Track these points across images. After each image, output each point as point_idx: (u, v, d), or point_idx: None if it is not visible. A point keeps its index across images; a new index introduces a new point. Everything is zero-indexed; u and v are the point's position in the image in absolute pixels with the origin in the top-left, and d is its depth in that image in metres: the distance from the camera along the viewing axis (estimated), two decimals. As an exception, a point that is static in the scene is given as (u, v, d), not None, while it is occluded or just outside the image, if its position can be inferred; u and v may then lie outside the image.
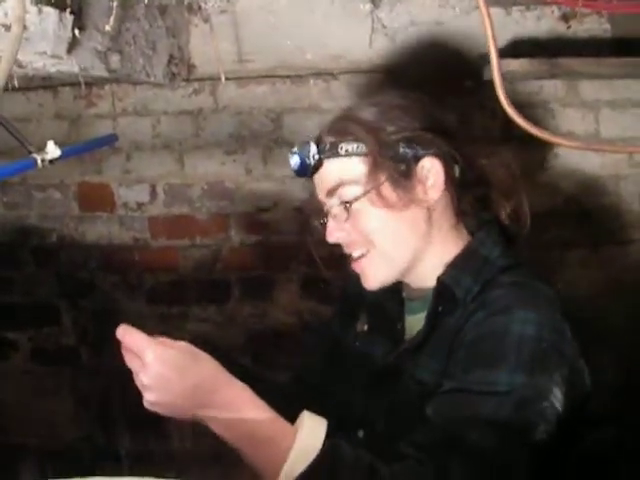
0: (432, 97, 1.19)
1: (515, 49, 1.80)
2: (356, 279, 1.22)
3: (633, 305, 1.97)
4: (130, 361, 0.95)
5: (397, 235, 1.12)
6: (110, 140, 1.39)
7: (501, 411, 0.95)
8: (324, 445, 0.93)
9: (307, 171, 1.14)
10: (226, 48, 1.89)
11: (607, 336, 2.00)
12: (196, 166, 2.06)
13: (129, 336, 0.95)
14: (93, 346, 2.20)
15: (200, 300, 2.12)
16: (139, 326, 2.14)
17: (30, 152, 0.98)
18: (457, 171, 1.15)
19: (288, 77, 1.95)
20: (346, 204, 1.11)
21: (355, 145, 1.10)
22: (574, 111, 1.92)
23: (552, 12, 1.83)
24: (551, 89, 1.91)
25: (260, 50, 1.91)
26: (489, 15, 0.74)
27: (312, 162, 1.12)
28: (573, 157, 1.95)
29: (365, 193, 1.09)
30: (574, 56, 1.68)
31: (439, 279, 1.12)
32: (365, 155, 1.09)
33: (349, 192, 1.10)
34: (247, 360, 2.06)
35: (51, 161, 1.00)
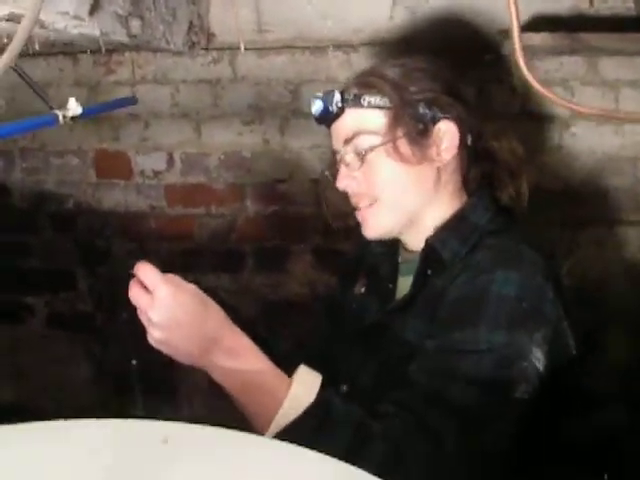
0: (453, 66, 1.22)
1: (536, 26, 1.78)
2: (360, 244, 1.28)
3: (646, 286, 1.97)
4: (138, 296, 0.95)
5: (405, 189, 1.16)
6: (129, 102, 1.40)
7: (481, 368, 0.97)
8: (316, 397, 0.95)
9: (328, 117, 1.17)
10: (246, 18, 1.88)
11: (621, 316, 2.00)
12: (213, 135, 2.07)
13: (144, 271, 0.95)
14: (108, 312, 2.23)
15: (214, 269, 2.14)
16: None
17: (52, 108, 0.99)
18: (469, 140, 1.19)
19: (307, 48, 1.94)
20: (361, 153, 1.14)
21: (378, 98, 1.14)
22: (594, 89, 1.90)
23: (575, -12, 1.81)
24: (571, 67, 1.89)
25: (280, 21, 1.91)
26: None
27: (334, 110, 1.15)
28: (591, 136, 1.93)
29: (382, 144, 1.13)
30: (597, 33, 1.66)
31: (427, 241, 1.16)
32: (387, 109, 1.13)
33: (366, 142, 1.14)
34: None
35: (72, 118, 1.02)
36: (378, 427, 0.95)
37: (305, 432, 0.91)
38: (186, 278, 2.10)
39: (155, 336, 0.95)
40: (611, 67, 1.88)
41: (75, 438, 0.55)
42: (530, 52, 1.68)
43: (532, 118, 1.94)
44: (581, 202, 1.98)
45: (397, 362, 1.09)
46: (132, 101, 1.39)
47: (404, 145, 1.13)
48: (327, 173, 1.25)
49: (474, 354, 0.98)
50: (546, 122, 1.94)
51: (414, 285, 1.15)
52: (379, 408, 0.98)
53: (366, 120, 1.15)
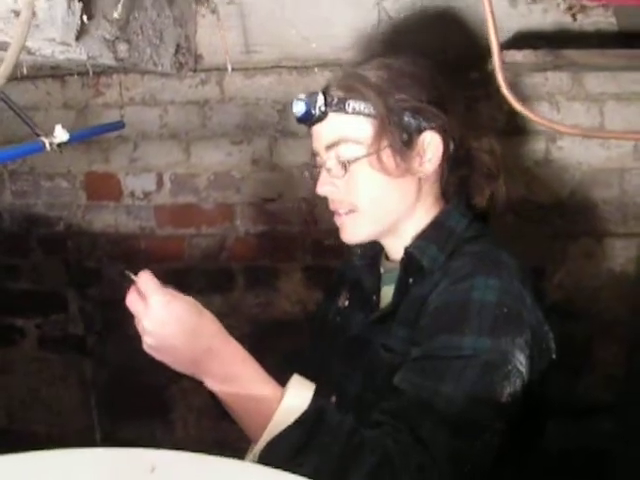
0: (440, 68, 1.20)
1: (520, 42, 1.81)
2: (343, 263, 1.30)
3: (636, 297, 1.98)
4: (134, 303, 0.96)
5: (385, 200, 1.15)
6: (117, 126, 1.41)
7: (467, 375, 0.98)
8: (309, 406, 0.95)
9: (310, 120, 1.15)
10: (233, 39, 1.90)
11: (610, 327, 2.01)
12: (202, 156, 2.08)
13: (142, 278, 0.97)
14: (100, 334, 2.23)
15: (205, 289, 2.14)
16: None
17: (38, 135, 0.99)
18: (452, 148, 1.18)
19: (294, 68, 1.96)
20: (344, 162, 1.12)
21: (363, 105, 1.11)
22: (579, 104, 1.93)
23: (558, 5, 1.84)
24: (556, 82, 1.91)
25: (266, 41, 1.92)
26: (491, 4, 0.75)
27: (317, 113, 1.12)
28: (578, 150, 1.95)
29: (366, 155, 1.11)
30: (581, 49, 1.68)
31: (406, 250, 1.16)
32: (372, 117, 1.11)
33: (349, 151, 1.12)
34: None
35: (59, 145, 1.02)
36: (370, 437, 0.95)
37: (297, 441, 0.92)
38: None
39: (148, 343, 0.96)
40: (596, 82, 1.90)
41: (63, 468, 0.55)
42: (514, 68, 1.71)
43: (519, 133, 1.95)
44: (570, 215, 2.00)
45: (383, 371, 1.09)
46: (119, 125, 1.40)
47: (388, 156, 1.12)
48: (307, 174, 1.26)
49: (459, 360, 0.99)
50: (533, 136, 1.96)
51: (396, 294, 1.15)
52: (370, 418, 0.99)
53: (350, 128, 1.12)
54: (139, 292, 0.97)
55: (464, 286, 1.04)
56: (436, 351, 1.01)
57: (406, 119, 1.12)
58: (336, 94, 1.13)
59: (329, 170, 1.15)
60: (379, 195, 1.15)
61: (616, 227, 1.99)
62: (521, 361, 1.00)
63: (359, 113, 1.11)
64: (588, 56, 1.58)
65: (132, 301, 0.96)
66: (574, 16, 1.84)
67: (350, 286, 1.32)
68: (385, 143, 1.11)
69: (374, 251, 1.29)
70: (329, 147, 1.14)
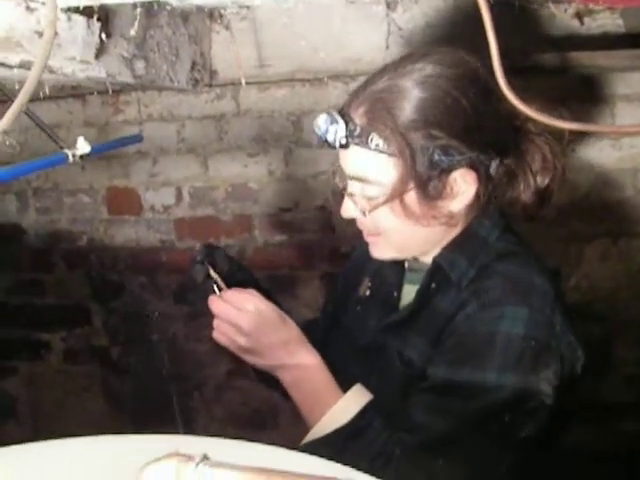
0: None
1: (529, 47, 1.83)
2: (360, 245, 1.22)
3: (653, 296, 1.98)
4: (227, 310, 1.07)
5: (411, 240, 1.09)
6: (136, 140, 1.45)
7: (489, 413, 0.97)
8: (348, 422, 1.03)
9: (331, 147, 1.05)
10: (246, 54, 1.95)
11: (629, 327, 2.01)
12: (220, 169, 2.13)
13: (232, 293, 1.09)
14: (123, 346, 2.27)
15: (226, 299, 2.17)
16: (166, 326, 2.20)
17: (62, 148, 1.04)
18: (492, 168, 1.05)
19: (307, 80, 2.00)
20: (366, 198, 1.05)
21: (387, 144, 0.99)
22: (590, 105, 1.94)
23: (565, 10, 1.86)
24: (566, 84, 1.93)
25: (279, 55, 1.97)
26: (488, 6, 0.78)
27: (338, 144, 1.02)
28: (590, 151, 1.97)
29: (387, 201, 1.02)
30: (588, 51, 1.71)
31: (434, 260, 1.10)
32: (395, 157, 0.99)
33: (371, 190, 1.03)
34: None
35: (81, 157, 1.07)
36: (395, 463, 1.00)
37: (328, 451, 0.92)
38: (198, 309, 2.12)
39: (242, 344, 1.08)
40: (604, 83, 1.92)
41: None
42: (523, 71, 1.73)
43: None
44: (585, 216, 2.01)
45: (397, 382, 1.10)
46: (138, 138, 1.45)
47: (413, 200, 1.02)
48: (336, 182, 1.13)
49: (482, 397, 0.97)
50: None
51: (416, 299, 1.11)
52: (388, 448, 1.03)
53: (373, 168, 1.02)
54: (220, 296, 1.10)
55: (493, 314, 1.00)
56: (459, 383, 0.99)
57: (436, 157, 0.99)
58: (359, 122, 1.01)
59: (352, 196, 1.08)
60: (404, 235, 1.08)
61: (631, 227, 2.00)
62: (548, 394, 0.97)
63: (382, 152, 0.99)
64: (595, 58, 1.60)
65: (224, 308, 1.08)
66: (581, 20, 1.86)
67: (372, 275, 1.26)
68: (410, 186, 1.00)
69: None
70: (353, 178, 1.06)
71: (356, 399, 1.07)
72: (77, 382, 2.33)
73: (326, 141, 1.03)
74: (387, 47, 1.92)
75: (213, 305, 1.09)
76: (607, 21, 1.83)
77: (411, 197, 1.01)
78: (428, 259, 1.12)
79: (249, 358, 1.10)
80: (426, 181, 1.00)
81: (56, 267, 2.28)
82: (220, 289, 1.12)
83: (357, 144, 1.01)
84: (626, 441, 2.03)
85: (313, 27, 1.93)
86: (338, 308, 1.33)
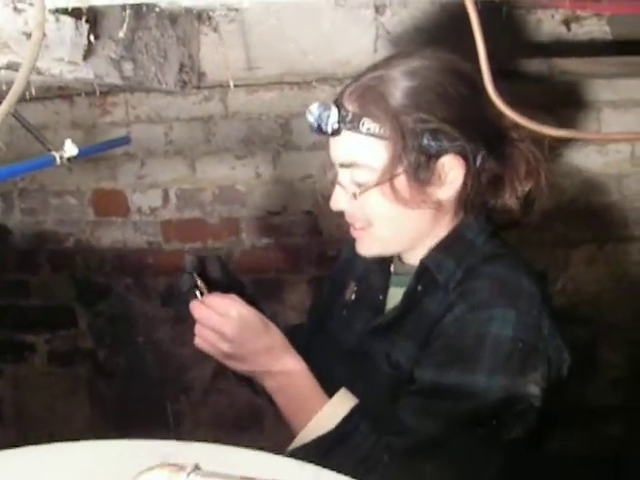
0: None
1: (517, 52, 1.84)
2: (350, 246, 1.21)
3: (638, 301, 2.00)
4: (209, 315, 1.06)
5: (400, 227, 1.09)
6: (124, 142, 1.45)
7: (478, 415, 0.97)
8: (334, 428, 1.03)
9: (323, 134, 1.07)
10: (235, 56, 1.95)
11: (614, 331, 2.03)
12: (207, 171, 2.12)
13: (213, 298, 1.08)
14: (109, 348, 2.26)
15: (213, 302, 2.17)
16: (153, 328, 2.18)
17: (49, 150, 1.03)
18: (479, 160, 1.06)
19: (296, 83, 2.00)
20: (357, 184, 1.06)
21: (378, 127, 1.01)
22: (576, 111, 1.96)
23: (552, 16, 1.87)
24: (553, 90, 1.95)
25: (268, 57, 1.97)
26: (476, 10, 0.78)
27: (330, 130, 1.04)
28: (577, 156, 1.98)
29: (377, 184, 1.03)
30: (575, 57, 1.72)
31: (422, 262, 1.10)
32: (386, 140, 1.02)
33: (362, 175, 1.05)
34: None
35: (69, 159, 1.06)
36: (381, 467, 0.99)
37: (314, 456, 0.93)
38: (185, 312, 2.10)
39: (225, 350, 1.07)
40: (591, 89, 1.93)
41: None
42: (510, 76, 1.74)
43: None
44: (571, 221, 2.03)
45: (384, 384, 1.10)
46: (126, 140, 1.44)
47: (402, 184, 1.03)
48: (328, 177, 1.15)
49: (471, 399, 0.97)
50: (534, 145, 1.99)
51: (403, 302, 1.11)
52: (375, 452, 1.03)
53: (363, 151, 1.04)
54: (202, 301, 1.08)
55: (482, 316, 1.00)
56: (447, 385, 1.00)
57: (425, 142, 1.01)
58: (351, 108, 1.04)
59: (343, 186, 1.09)
60: (393, 221, 1.08)
61: (616, 232, 2.02)
62: (536, 396, 0.98)
63: (373, 135, 1.02)
64: (581, 64, 1.62)
65: (206, 314, 1.07)
66: (568, 26, 1.87)
67: (357, 280, 1.27)
68: (400, 169, 1.02)
69: None
70: (343, 166, 1.08)
71: (342, 404, 1.07)
72: (62, 385, 2.31)
73: (319, 127, 1.05)
74: (375, 50, 1.92)
75: (195, 311, 1.08)
76: (594, 28, 1.85)
77: (401, 181, 1.03)
78: (414, 261, 1.13)
79: (232, 364, 1.10)
80: (416, 165, 1.02)
81: (42, 268, 2.26)
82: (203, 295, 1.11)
83: (349, 129, 1.04)
84: (612, 444, 2.05)
85: (302, 30, 1.93)
86: (324, 312, 1.33)
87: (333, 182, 1.12)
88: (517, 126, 1.02)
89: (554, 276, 2.04)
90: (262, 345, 1.08)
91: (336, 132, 1.05)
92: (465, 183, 1.06)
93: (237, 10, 1.91)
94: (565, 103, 1.95)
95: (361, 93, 1.04)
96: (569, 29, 1.87)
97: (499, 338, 0.99)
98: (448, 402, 0.99)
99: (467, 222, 1.12)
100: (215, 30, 1.94)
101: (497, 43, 1.62)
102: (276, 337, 1.10)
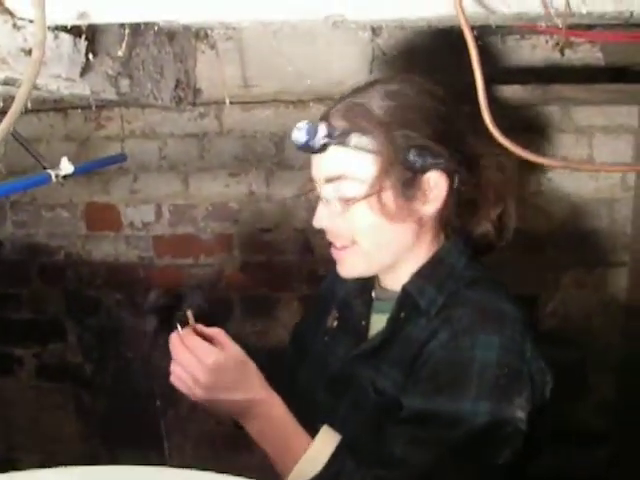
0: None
1: (511, 77, 1.86)
2: (330, 276, 1.25)
3: (627, 324, 2.01)
4: (183, 356, 1.03)
5: (384, 242, 1.10)
6: (119, 159, 1.45)
7: (468, 439, 0.97)
8: (321, 471, 1.01)
9: (310, 150, 1.08)
10: (231, 73, 1.95)
11: (602, 354, 2.04)
12: (200, 187, 2.12)
13: (193, 339, 1.04)
14: (98, 363, 2.24)
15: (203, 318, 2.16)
16: (142, 343, 2.17)
17: (45, 168, 1.03)
18: (456, 180, 1.11)
19: (291, 102, 2.01)
20: (343, 199, 1.07)
21: (366, 140, 1.04)
22: (568, 136, 1.98)
23: (546, 42, 1.89)
24: (546, 115, 1.97)
25: (264, 76, 1.97)
26: (474, 40, 0.79)
27: (317, 145, 1.06)
28: (568, 181, 2.00)
29: (366, 196, 1.05)
30: (569, 83, 1.74)
31: (404, 288, 1.12)
32: (375, 154, 1.05)
33: (349, 189, 1.07)
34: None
35: (64, 177, 1.06)
36: None
37: None
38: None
39: (198, 395, 1.04)
40: (584, 115, 1.95)
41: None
42: (504, 102, 1.76)
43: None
44: (561, 245, 2.04)
45: (369, 411, 1.09)
46: (122, 158, 1.44)
47: (389, 197, 1.06)
48: (303, 200, 1.20)
49: (460, 424, 0.98)
50: (524, 168, 2.00)
51: (387, 329, 1.12)
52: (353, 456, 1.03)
53: (352, 164, 1.06)
54: (181, 339, 1.04)
55: (466, 343, 1.01)
56: (434, 413, 1.00)
57: (411, 157, 1.05)
58: (339, 125, 1.06)
59: (327, 203, 1.10)
60: (376, 236, 1.09)
61: (606, 257, 2.03)
62: (522, 419, 0.99)
63: (362, 149, 1.05)
64: (575, 91, 1.63)
65: (181, 354, 1.03)
66: (562, 52, 1.89)
67: (339, 306, 1.28)
68: (387, 183, 1.05)
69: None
70: (329, 180, 1.08)
71: (325, 443, 1.05)
72: (49, 399, 2.29)
73: (306, 143, 1.06)
74: (371, 71, 1.93)
75: (173, 349, 1.04)
76: (587, 54, 1.87)
77: (388, 195, 1.06)
78: (396, 287, 1.14)
79: (207, 408, 1.07)
80: (402, 179, 1.05)
81: (32, 281, 2.25)
82: (184, 325, 1.06)
83: (337, 144, 1.06)
84: (601, 467, 2.05)
85: (298, 50, 1.94)
86: (307, 338, 1.33)
87: (315, 200, 1.14)
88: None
89: (544, 299, 2.05)
90: (239, 395, 1.05)
91: (323, 148, 1.07)
92: (447, 201, 1.10)
93: (235, 28, 1.92)
94: (557, 128, 1.97)
95: (348, 109, 1.07)
96: (563, 54, 1.89)
97: (484, 363, 1.00)
98: (436, 429, 0.99)
99: (447, 247, 1.15)
100: (212, 47, 1.95)
101: (491, 68, 1.65)
102: (254, 382, 1.07)
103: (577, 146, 1.98)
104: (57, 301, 2.24)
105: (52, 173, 1.03)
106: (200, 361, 1.01)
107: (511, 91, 1.63)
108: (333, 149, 1.07)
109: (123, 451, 2.24)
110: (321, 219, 1.12)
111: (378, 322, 1.16)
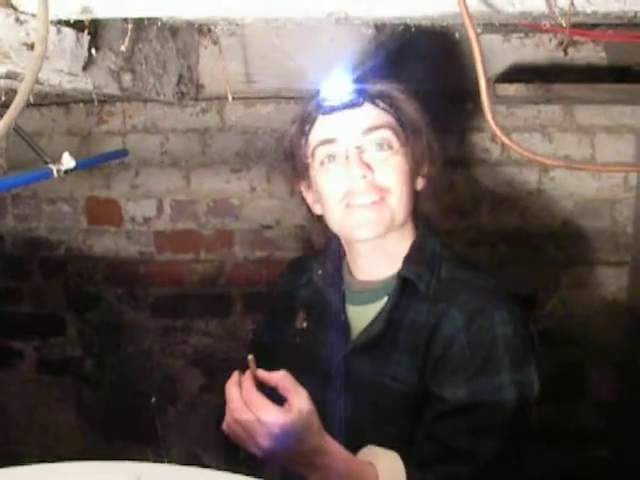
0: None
1: (514, 75, 1.86)
2: (288, 278, 1.32)
3: (627, 324, 2.01)
4: (239, 411, 0.96)
5: (405, 197, 1.17)
6: (121, 154, 1.45)
7: (512, 414, 1.05)
8: None
9: (350, 103, 1.16)
10: (234, 69, 1.94)
11: (602, 354, 2.04)
12: (202, 183, 2.12)
13: (256, 397, 0.96)
14: (98, 357, 2.24)
15: (203, 314, 2.17)
16: (142, 338, 2.16)
17: (46, 162, 1.03)
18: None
19: (293, 98, 2.01)
20: (387, 144, 1.16)
21: (390, 106, 1.18)
22: (570, 136, 1.98)
23: (550, 40, 1.89)
24: (548, 114, 1.97)
25: (266, 72, 1.97)
26: (477, 39, 0.79)
27: (360, 99, 1.16)
28: (570, 181, 2.00)
29: (406, 144, 1.17)
30: (572, 82, 1.74)
31: (400, 275, 1.17)
32: (397, 121, 1.18)
33: (392, 136, 1.16)
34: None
35: (66, 171, 1.06)
36: None
37: None
38: (175, 323, 2.09)
39: (257, 451, 0.97)
40: (586, 114, 1.95)
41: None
42: (507, 100, 1.75)
43: (512, 164, 2.00)
44: (562, 244, 2.04)
45: (388, 398, 1.11)
46: (124, 153, 1.44)
47: (411, 160, 1.19)
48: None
49: (505, 399, 1.05)
50: (526, 167, 2.00)
51: (386, 318, 1.14)
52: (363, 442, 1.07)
53: (390, 117, 1.18)
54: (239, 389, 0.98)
55: (485, 323, 1.08)
56: (481, 402, 1.06)
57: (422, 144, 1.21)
58: (379, 86, 1.19)
59: (363, 152, 1.15)
60: (406, 187, 1.17)
61: (607, 256, 2.03)
62: (536, 381, 1.10)
63: (388, 112, 1.17)
64: (578, 90, 1.63)
65: (239, 408, 0.96)
66: (565, 51, 1.89)
67: (306, 306, 1.30)
68: (409, 148, 1.18)
69: (333, 270, 1.28)
70: (370, 130, 1.15)
71: (388, 465, 1.05)
72: (49, 392, 2.29)
73: (353, 93, 1.15)
74: (374, 67, 1.93)
75: (232, 403, 0.97)
76: (590, 53, 1.87)
77: (410, 153, 1.18)
78: (376, 276, 1.21)
79: (268, 461, 1.02)
80: (419, 150, 1.20)
81: (32, 275, 2.25)
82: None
83: (383, 107, 1.17)
84: (599, 466, 2.05)
85: (301, 46, 1.94)
86: (271, 343, 1.34)
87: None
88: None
89: (544, 298, 2.05)
90: (301, 449, 0.98)
91: (360, 103, 1.15)
92: (429, 181, 1.24)
93: (238, 24, 1.91)
94: (560, 127, 1.97)
95: (386, 81, 1.20)
96: (566, 53, 1.88)
97: (506, 338, 1.07)
98: (487, 412, 1.05)
99: (421, 232, 1.23)
100: (215, 43, 1.94)
101: (494, 66, 1.64)
102: (315, 436, 0.99)
103: (579, 146, 1.98)
104: (57, 295, 2.24)
105: (54, 168, 1.03)
106: (263, 424, 0.94)
107: (514, 90, 1.62)
108: (368, 105, 1.16)
109: (122, 445, 2.24)
110: (361, 167, 1.13)
111: (359, 314, 1.20)
